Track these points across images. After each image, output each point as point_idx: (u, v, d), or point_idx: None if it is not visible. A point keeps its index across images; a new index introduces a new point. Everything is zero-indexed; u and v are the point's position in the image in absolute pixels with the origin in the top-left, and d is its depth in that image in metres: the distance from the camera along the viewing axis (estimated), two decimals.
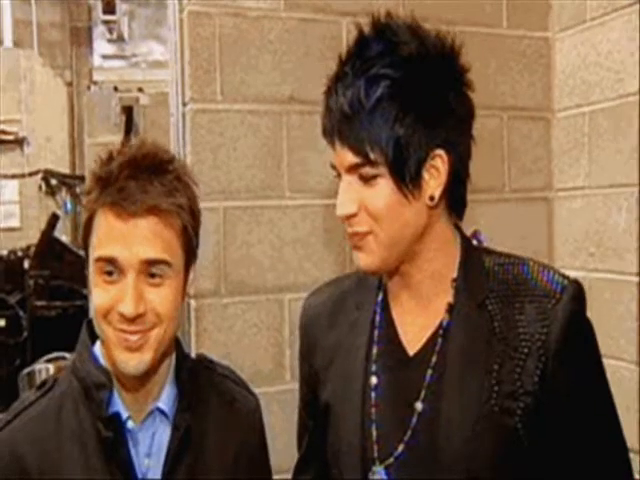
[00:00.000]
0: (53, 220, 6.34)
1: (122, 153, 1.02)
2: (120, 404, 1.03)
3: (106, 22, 6.72)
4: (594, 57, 1.73)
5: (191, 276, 1.07)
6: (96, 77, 6.43)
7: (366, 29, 0.98)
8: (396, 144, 0.94)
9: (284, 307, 1.67)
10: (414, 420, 0.99)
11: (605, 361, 1.68)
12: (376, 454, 1.01)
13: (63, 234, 7.33)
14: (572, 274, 1.81)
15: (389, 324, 1.06)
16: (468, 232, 1.71)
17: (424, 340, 1.02)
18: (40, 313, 5.64)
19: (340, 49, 1.59)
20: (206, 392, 1.11)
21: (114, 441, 1.00)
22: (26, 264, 6.11)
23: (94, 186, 1.01)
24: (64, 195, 8.16)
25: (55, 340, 4.83)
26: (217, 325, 1.64)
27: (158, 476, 1.03)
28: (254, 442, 1.14)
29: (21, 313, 5.58)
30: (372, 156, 0.95)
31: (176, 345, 1.10)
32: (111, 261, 0.98)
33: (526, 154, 1.86)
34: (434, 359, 1.00)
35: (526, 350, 0.96)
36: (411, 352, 1.03)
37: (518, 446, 0.95)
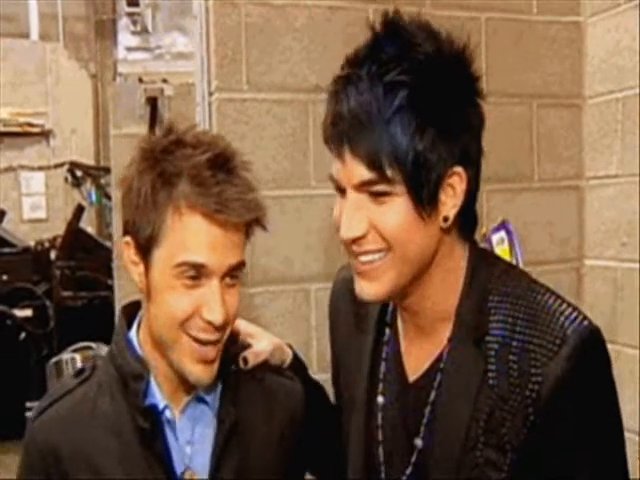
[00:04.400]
0: (78, 211, 6.41)
1: (193, 146, 0.95)
2: (158, 394, 1.01)
3: (130, 14, 6.75)
4: (628, 41, 1.69)
5: None
6: (121, 69, 6.46)
7: (377, 27, 0.91)
8: (415, 160, 0.85)
9: (310, 297, 1.66)
10: (414, 456, 0.96)
11: (637, 352, 1.66)
12: (384, 475, 1.00)
13: (88, 225, 7.42)
14: (603, 264, 1.79)
15: (396, 346, 1.02)
16: (497, 222, 1.70)
17: (423, 369, 0.97)
18: (66, 303, 5.71)
19: (367, 37, 1.57)
20: (248, 382, 1.09)
21: (151, 431, 0.98)
22: (52, 255, 6.20)
23: (165, 181, 0.93)
24: (89, 186, 8.25)
25: (81, 330, 4.89)
26: (243, 315, 1.62)
27: (203, 463, 1.01)
28: (296, 432, 1.11)
29: (48, 303, 5.65)
30: (389, 172, 0.86)
31: None
32: (197, 266, 0.94)
33: (556, 142, 1.83)
34: (433, 394, 0.95)
35: (515, 404, 0.88)
36: (411, 379, 0.99)
37: None
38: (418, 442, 0.95)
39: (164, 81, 4.17)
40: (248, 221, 0.97)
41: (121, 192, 1.00)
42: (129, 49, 6.83)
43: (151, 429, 0.98)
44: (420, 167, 0.86)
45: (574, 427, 0.87)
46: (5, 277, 5.65)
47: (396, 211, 0.88)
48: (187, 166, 0.93)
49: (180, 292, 0.94)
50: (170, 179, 0.94)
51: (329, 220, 1.72)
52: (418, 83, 0.86)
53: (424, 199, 0.87)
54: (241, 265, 0.98)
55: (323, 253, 1.67)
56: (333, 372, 1.18)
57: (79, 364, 4.08)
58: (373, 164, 0.86)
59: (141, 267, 0.98)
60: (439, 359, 0.95)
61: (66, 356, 4.16)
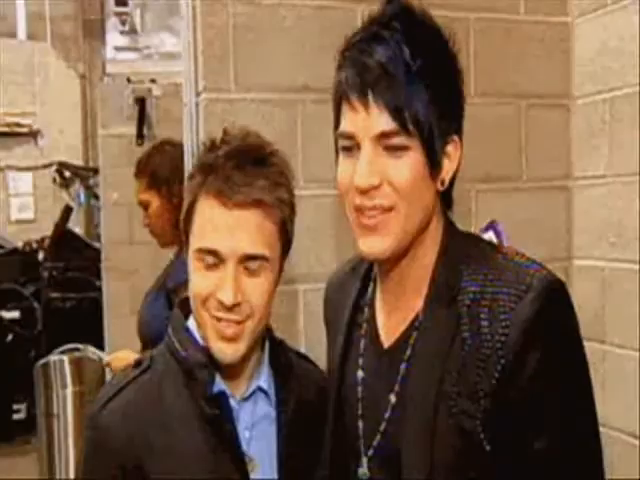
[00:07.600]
0: (67, 212, 6.38)
1: (226, 142, 1.07)
2: (222, 382, 1.07)
3: (118, 14, 6.72)
4: (616, 42, 1.69)
5: (284, 265, 1.13)
6: (109, 69, 6.44)
7: (391, 7, 0.98)
8: (430, 118, 0.93)
9: (299, 298, 1.65)
10: (388, 412, 0.99)
11: (625, 352, 1.67)
12: (362, 448, 1.02)
13: (77, 226, 7.37)
14: (592, 264, 1.80)
15: (373, 318, 1.06)
16: (485, 223, 1.70)
17: (398, 334, 1.01)
18: (54, 305, 5.68)
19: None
20: (292, 370, 1.17)
21: (219, 418, 1.04)
22: (40, 256, 6.16)
23: (197, 172, 1.06)
24: (77, 187, 8.20)
25: (69, 332, 4.86)
26: None
27: (259, 447, 1.08)
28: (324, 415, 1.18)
29: (35, 305, 5.62)
30: (410, 125, 0.91)
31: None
32: (211, 252, 1.02)
33: (544, 142, 1.83)
34: (408, 352, 0.99)
35: (487, 352, 0.91)
36: (386, 345, 1.03)
37: (479, 450, 0.90)
38: (392, 398, 0.99)
39: (152, 81, 4.15)
40: (251, 202, 1.01)
41: None
42: (117, 49, 6.80)
43: (219, 415, 1.04)
44: (432, 126, 0.93)
45: (541, 375, 0.90)
46: None
47: (410, 166, 0.93)
48: (212, 157, 1.05)
49: (201, 274, 1.04)
50: (201, 170, 1.06)
51: (317, 221, 1.72)
52: (435, 49, 0.96)
53: (435, 157, 0.94)
54: (260, 258, 1.04)
55: (312, 254, 1.66)
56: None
57: (67, 366, 4.06)
58: (397, 114, 0.91)
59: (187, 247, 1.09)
60: (414, 321, 1.00)
61: (54, 358, 4.13)
